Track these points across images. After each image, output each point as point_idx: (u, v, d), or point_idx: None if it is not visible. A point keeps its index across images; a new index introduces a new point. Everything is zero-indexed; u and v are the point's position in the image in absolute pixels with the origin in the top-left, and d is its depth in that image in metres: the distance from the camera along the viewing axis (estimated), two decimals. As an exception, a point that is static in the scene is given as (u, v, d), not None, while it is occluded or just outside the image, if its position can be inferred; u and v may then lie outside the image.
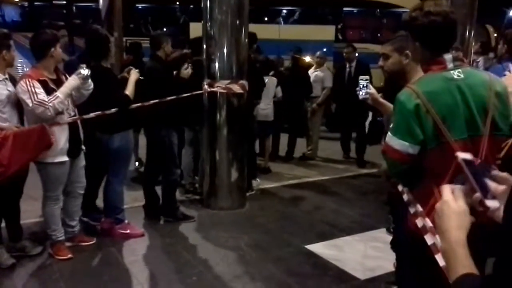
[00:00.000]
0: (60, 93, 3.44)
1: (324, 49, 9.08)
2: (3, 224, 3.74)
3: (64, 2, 12.82)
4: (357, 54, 7.22)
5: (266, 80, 6.22)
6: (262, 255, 3.90)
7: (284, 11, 13.20)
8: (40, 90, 3.37)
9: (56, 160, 3.53)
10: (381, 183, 5.12)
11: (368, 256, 3.92)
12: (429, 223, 1.86)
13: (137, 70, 4.04)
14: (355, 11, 12.59)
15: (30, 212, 4.31)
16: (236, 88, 4.74)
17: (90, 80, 3.64)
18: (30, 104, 3.33)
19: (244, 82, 4.80)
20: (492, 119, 1.90)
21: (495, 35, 12.64)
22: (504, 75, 3.06)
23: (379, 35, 11.60)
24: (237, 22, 4.72)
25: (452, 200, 1.03)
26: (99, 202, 4.45)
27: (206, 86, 4.80)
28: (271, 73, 6.67)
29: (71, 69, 3.72)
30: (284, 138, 7.37)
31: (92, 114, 3.77)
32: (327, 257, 3.85)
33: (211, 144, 4.94)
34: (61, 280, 3.42)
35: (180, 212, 4.65)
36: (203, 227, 4.53)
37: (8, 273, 3.48)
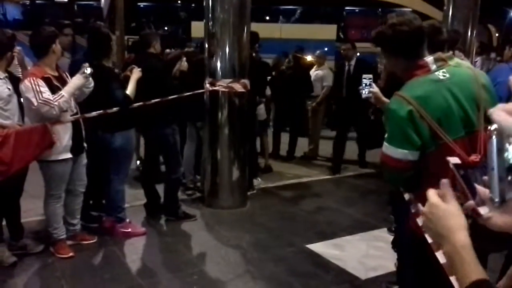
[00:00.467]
0: (65, 92, 3.44)
1: (326, 48, 9.07)
2: (4, 223, 3.74)
3: (66, 0, 12.84)
4: (358, 54, 7.17)
5: None
6: (263, 254, 3.90)
7: (286, 10, 13.21)
8: (44, 88, 3.37)
9: (60, 158, 3.53)
10: (382, 182, 5.12)
11: (369, 255, 3.92)
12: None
13: (139, 69, 4.04)
14: (357, 10, 12.59)
15: (31, 210, 4.31)
16: (238, 87, 4.74)
17: (91, 79, 3.65)
18: (35, 103, 3.33)
19: (245, 81, 4.80)
20: (484, 112, 1.92)
21: (497, 35, 12.63)
22: None
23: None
24: (239, 21, 4.72)
25: (439, 201, 1.00)
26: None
27: (207, 85, 4.80)
28: (268, 78, 6.53)
29: (76, 68, 3.70)
30: (285, 137, 7.37)
31: (94, 113, 3.77)
32: (328, 257, 3.85)
33: (213, 143, 4.94)
34: (62, 278, 3.43)
35: (181, 210, 4.65)
36: (204, 226, 4.53)
37: (9, 271, 3.48)
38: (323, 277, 3.55)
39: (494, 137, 0.87)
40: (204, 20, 4.86)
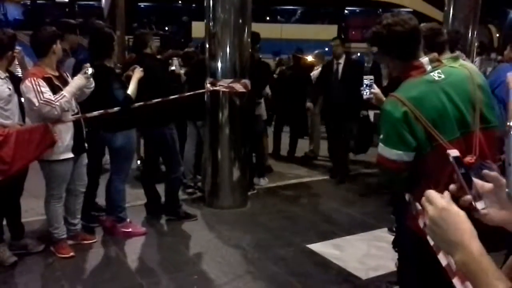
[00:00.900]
0: (67, 92, 3.45)
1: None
2: (4, 222, 3.74)
3: (67, 0, 12.85)
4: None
5: None
6: (264, 254, 3.90)
7: (287, 10, 13.24)
8: (45, 88, 3.37)
9: (61, 158, 3.53)
10: (382, 182, 5.12)
11: (370, 255, 3.92)
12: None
13: (141, 69, 4.04)
14: (357, 10, 12.61)
15: (32, 210, 4.32)
16: (239, 87, 4.74)
17: (91, 79, 3.65)
18: (37, 104, 3.33)
19: (246, 81, 4.80)
20: (480, 113, 1.93)
21: (497, 35, 12.63)
22: None
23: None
24: (240, 21, 4.72)
25: (450, 205, 0.94)
26: (99, 201, 4.44)
27: (208, 85, 4.80)
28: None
29: (80, 68, 3.70)
30: (285, 138, 7.37)
31: (95, 113, 3.77)
32: (328, 257, 3.85)
33: (213, 143, 4.94)
34: (63, 278, 3.43)
35: (182, 210, 4.65)
36: (205, 225, 4.53)
37: (10, 271, 3.49)
38: (323, 277, 3.55)
39: None
40: (205, 20, 4.87)
